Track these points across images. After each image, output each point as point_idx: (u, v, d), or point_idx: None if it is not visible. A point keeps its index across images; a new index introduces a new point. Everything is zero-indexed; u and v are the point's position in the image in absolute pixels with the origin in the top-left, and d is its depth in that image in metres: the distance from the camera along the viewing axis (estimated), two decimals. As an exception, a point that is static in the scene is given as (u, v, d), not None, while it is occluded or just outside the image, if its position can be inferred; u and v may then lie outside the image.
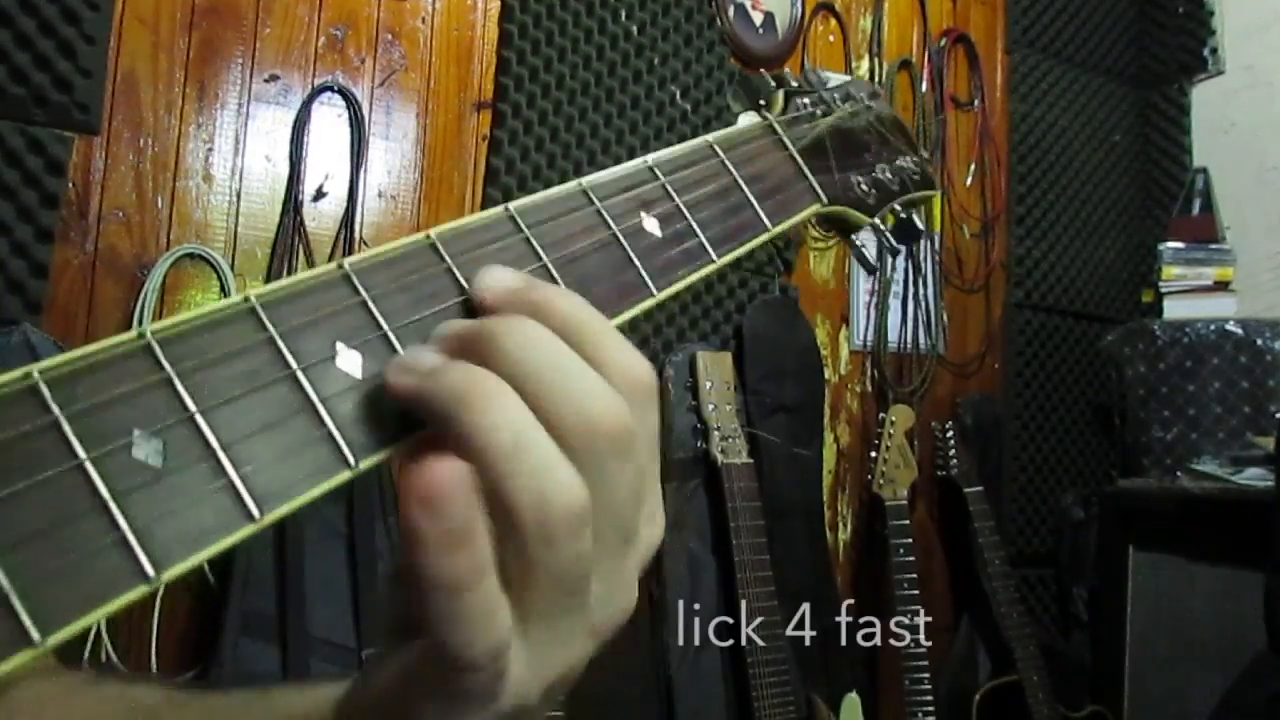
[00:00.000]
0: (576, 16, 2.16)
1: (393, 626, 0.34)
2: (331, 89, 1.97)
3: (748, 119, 0.55)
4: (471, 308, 0.35)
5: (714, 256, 0.45)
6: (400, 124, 2.04)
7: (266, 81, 1.92)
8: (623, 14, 2.23)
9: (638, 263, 0.41)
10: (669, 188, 0.45)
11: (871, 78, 2.65)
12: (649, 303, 0.41)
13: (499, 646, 0.30)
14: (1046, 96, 2.87)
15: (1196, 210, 2.78)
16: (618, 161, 0.44)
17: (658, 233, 0.43)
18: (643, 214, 0.43)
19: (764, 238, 0.49)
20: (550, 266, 0.38)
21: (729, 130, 0.52)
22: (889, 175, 0.61)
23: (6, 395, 0.26)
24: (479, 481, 0.30)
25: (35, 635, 0.25)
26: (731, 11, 2.41)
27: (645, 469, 0.34)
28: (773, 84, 0.57)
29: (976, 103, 2.80)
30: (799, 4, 2.51)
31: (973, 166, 2.78)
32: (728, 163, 0.48)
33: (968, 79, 2.82)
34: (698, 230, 0.45)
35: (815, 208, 0.54)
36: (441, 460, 0.29)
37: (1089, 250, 2.89)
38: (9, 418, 0.26)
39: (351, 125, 1.98)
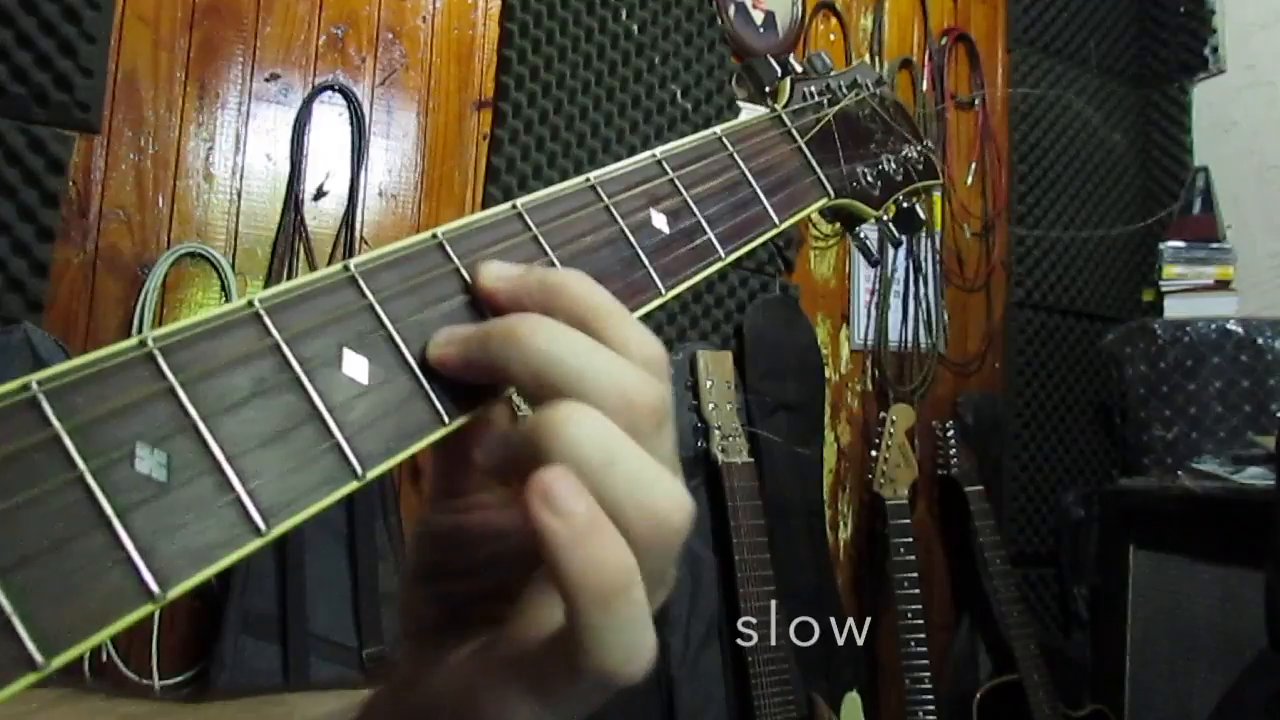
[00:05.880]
0: (577, 15, 2.16)
1: (419, 629, 0.34)
2: (332, 88, 1.97)
3: (751, 108, 0.54)
4: (480, 307, 0.35)
5: (722, 254, 0.44)
6: (401, 123, 2.04)
7: (267, 80, 1.92)
8: (623, 13, 2.23)
9: (646, 261, 0.41)
10: (678, 183, 0.44)
11: (872, 77, 2.65)
12: (657, 301, 0.41)
13: (649, 659, 0.30)
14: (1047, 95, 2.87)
15: (1197, 209, 2.78)
16: (618, 161, 0.44)
17: (666, 229, 0.42)
18: (651, 210, 0.42)
19: (772, 233, 0.48)
20: (558, 265, 0.38)
21: (737, 122, 0.50)
22: (894, 166, 0.60)
23: (5, 408, 0.26)
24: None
25: (39, 658, 0.24)
26: (732, 10, 2.41)
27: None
28: (778, 71, 0.56)
29: (977, 102, 2.80)
30: (800, 3, 2.51)
31: (974, 165, 2.78)
32: (736, 156, 0.48)
33: (969, 78, 2.82)
34: (706, 227, 0.44)
35: (823, 201, 0.53)
36: (547, 467, 0.29)
37: (1090, 249, 2.89)
38: (7, 431, 0.25)
39: (352, 124, 1.98)
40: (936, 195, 2.69)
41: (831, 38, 2.61)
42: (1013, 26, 2.87)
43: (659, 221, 0.42)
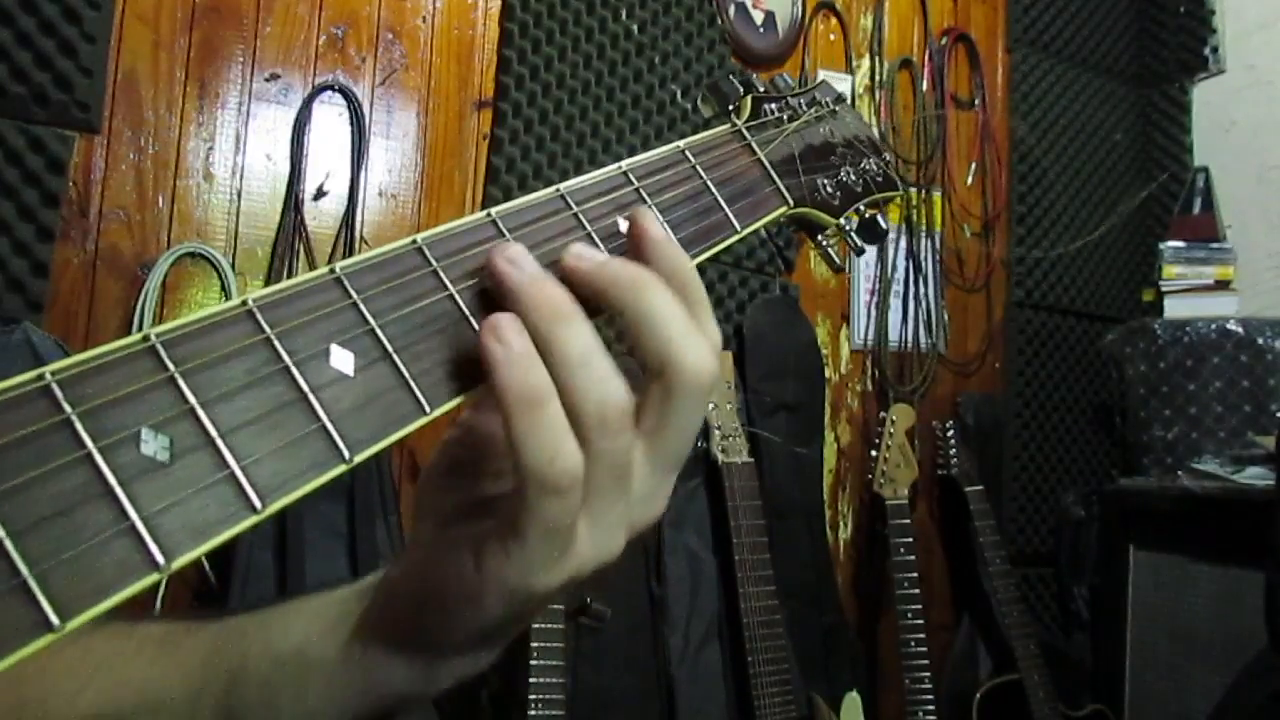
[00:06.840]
0: (577, 15, 2.16)
1: (434, 512, 0.43)
2: (332, 88, 1.97)
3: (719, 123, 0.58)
4: (459, 305, 0.39)
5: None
6: (401, 123, 2.04)
7: (267, 80, 1.92)
8: (623, 13, 2.23)
9: None
10: (643, 192, 0.47)
11: (872, 77, 2.66)
12: None
13: (574, 469, 0.37)
14: (1047, 95, 2.87)
15: (1197, 209, 2.78)
16: (618, 160, 0.46)
17: None
18: (618, 217, 0.45)
19: (733, 239, 0.51)
20: None
21: (700, 136, 0.53)
22: (853, 177, 0.63)
23: (21, 395, 0.28)
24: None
25: (55, 620, 0.26)
26: (732, 10, 2.41)
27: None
28: (741, 90, 0.58)
29: (977, 102, 2.80)
30: (799, 3, 2.51)
31: (973, 166, 2.78)
32: (698, 167, 0.51)
33: (969, 78, 2.82)
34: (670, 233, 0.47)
35: (782, 210, 0.56)
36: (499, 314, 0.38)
37: (1090, 249, 2.89)
38: (24, 416, 0.28)
39: (352, 124, 1.98)
40: (937, 195, 2.69)
41: (831, 38, 2.61)
42: (1013, 26, 2.87)
43: (626, 228, 0.44)
